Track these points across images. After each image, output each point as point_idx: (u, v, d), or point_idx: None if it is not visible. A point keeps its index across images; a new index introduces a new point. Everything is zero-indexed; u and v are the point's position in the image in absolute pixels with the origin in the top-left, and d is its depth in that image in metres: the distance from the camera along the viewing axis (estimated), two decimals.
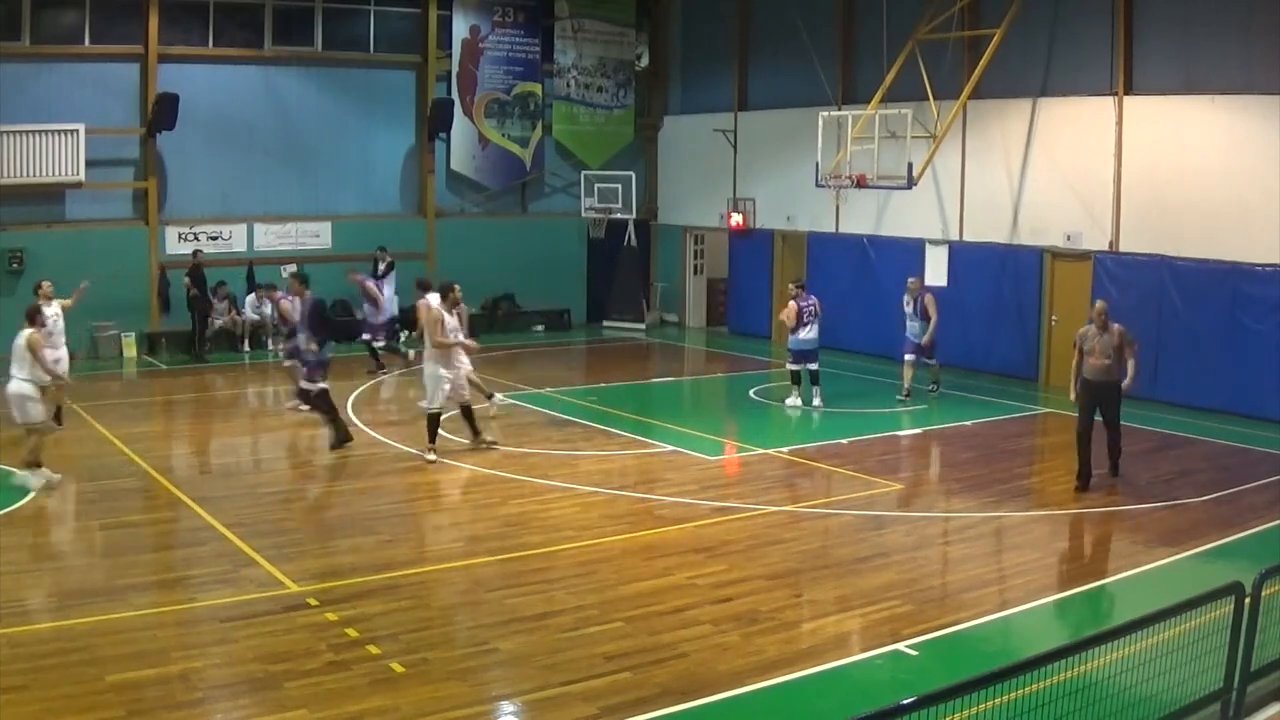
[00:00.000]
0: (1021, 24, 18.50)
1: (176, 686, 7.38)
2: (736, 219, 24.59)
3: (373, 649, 8.02)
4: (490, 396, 15.92)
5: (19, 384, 12.02)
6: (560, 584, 9.50)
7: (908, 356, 17.57)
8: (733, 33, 24.93)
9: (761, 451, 14.51)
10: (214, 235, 22.18)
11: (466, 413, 14.07)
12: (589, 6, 25.91)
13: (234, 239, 22.43)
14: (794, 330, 16.88)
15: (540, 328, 25.36)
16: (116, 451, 13.86)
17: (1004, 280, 19.73)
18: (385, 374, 19.31)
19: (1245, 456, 14.36)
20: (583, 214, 25.88)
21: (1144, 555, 10.44)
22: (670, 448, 14.52)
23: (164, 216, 21.80)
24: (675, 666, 7.83)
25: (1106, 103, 18.09)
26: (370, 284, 19.70)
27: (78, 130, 20.21)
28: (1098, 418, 12.55)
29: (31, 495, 11.70)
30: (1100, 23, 18.13)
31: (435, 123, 23.96)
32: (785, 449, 14.54)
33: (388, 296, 20.01)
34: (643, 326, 25.71)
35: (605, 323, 26.05)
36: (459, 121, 24.45)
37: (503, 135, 25.26)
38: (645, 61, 27.27)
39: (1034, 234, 19.32)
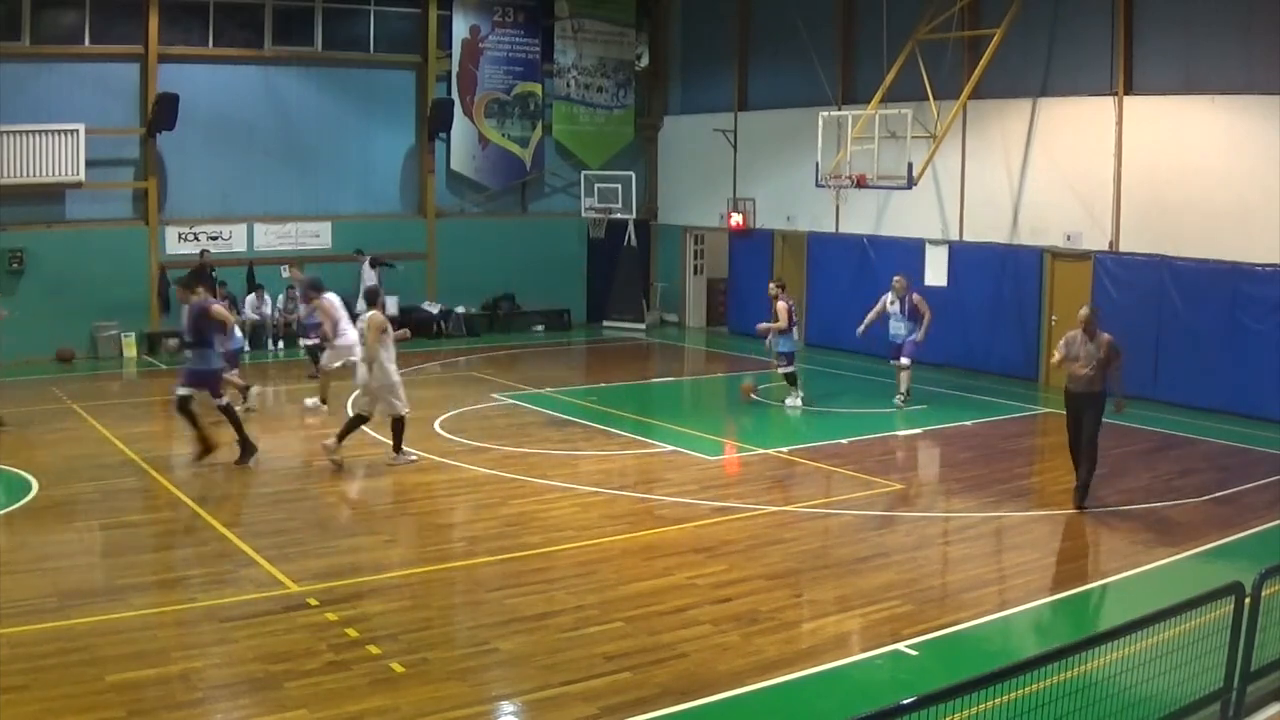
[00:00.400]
0: (1021, 24, 18.51)
1: (176, 686, 7.38)
2: (736, 219, 24.60)
3: (373, 649, 8.02)
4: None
5: None
6: (560, 584, 9.50)
7: (896, 360, 17.14)
8: (733, 33, 24.93)
9: (761, 451, 14.51)
10: (214, 235, 22.20)
11: (357, 423, 13.44)
12: (589, 6, 25.92)
13: (234, 239, 22.44)
14: (785, 331, 16.85)
15: (540, 328, 25.36)
16: (116, 451, 13.85)
17: (1004, 280, 19.73)
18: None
19: (1245, 456, 14.36)
20: (583, 214, 25.89)
21: (1144, 555, 10.44)
22: (670, 448, 14.52)
23: (164, 216, 21.81)
24: (675, 666, 7.83)
25: (1106, 103, 18.09)
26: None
27: (78, 130, 20.22)
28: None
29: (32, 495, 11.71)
30: (1100, 23, 18.14)
31: (435, 123, 23.97)
32: (785, 449, 14.54)
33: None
34: (643, 326, 25.72)
35: (605, 323, 26.06)
36: (459, 121, 24.46)
37: (503, 135, 25.27)
38: (645, 61, 27.27)
39: (1034, 234, 19.32)
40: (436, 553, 10.60)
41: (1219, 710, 6.66)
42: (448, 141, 24.64)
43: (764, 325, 17.10)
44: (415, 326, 23.75)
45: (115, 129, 21.15)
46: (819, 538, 11.08)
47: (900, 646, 8.23)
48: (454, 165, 24.87)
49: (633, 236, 25.99)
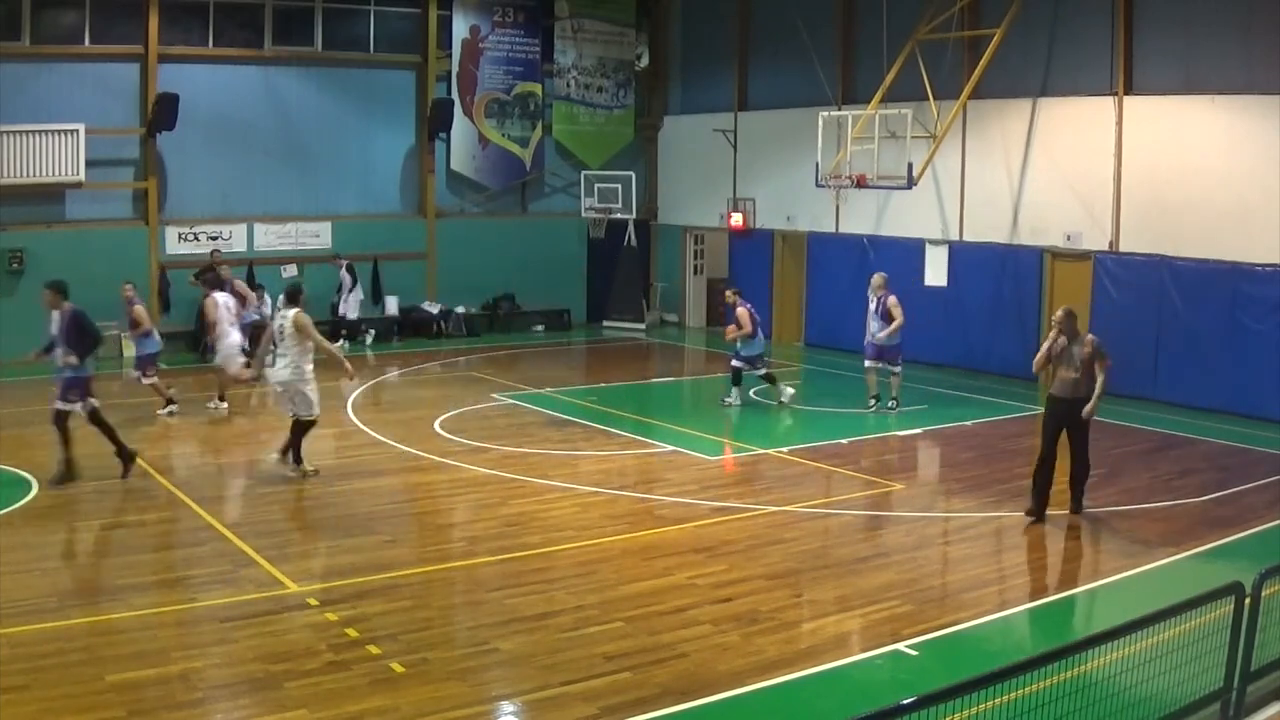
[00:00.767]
0: (1021, 24, 18.51)
1: (176, 686, 7.38)
2: (736, 219, 24.60)
3: (373, 649, 8.02)
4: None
5: None
6: (560, 584, 9.50)
7: (867, 362, 16.83)
8: (733, 33, 24.93)
9: (761, 451, 14.51)
10: (214, 235, 22.18)
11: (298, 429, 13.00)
12: (589, 6, 25.92)
13: (234, 239, 22.42)
14: (752, 335, 16.85)
15: (540, 328, 25.36)
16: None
17: (1004, 280, 19.73)
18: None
19: (1245, 456, 14.36)
20: (583, 214, 25.88)
21: (1144, 555, 10.44)
22: (670, 448, 14.52)
23: (164, 216, 21.80)
24: (675, 666, 7.83)
25: (1106, 103, 18.10)
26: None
27: (78, 130, 20.20)
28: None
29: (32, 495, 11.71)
30: (1100, 23, 18.14)
31: (435, 123, 23.97)
32: (785, 449, 14.54)
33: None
34: (643, 326, 25.72)
35: (605, 323, 26.05)
36: (459, 121, 24.46)
37: (503, 135, 25.26)
38: (645, 61, 27.27)
39: (1034, 234, 19.33)
40: (436, 553, 10.61)
41: (1219, 710, 6.66)
42: (448, 141, 24.64)
43: (732, 334, 17.12)
44: (415, 326, 23.89)
45: (115, 129, 21.14)
46: (819, 538, 11.08)
47: (900, 646, 8.23)
48: (454, 165, 24.86)
49: (633, 236, 25.98)
